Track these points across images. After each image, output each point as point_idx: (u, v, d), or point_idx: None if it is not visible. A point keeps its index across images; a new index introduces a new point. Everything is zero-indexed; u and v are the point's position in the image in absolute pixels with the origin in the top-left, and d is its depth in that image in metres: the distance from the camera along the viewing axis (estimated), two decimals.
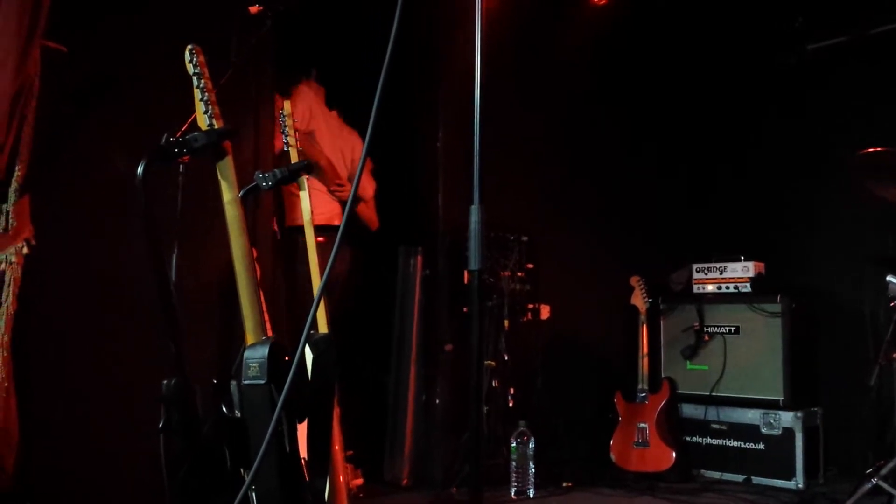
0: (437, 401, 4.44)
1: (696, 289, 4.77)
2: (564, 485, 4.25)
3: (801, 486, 4.20)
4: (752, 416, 4.41)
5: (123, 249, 2.91)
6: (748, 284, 4.56)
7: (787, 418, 4.29)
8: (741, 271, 4.59)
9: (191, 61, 2.02)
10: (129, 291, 2.95)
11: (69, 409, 2.81)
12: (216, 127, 2.01)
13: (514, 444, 4.05)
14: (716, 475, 4.49)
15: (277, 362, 1.97)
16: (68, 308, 2.85)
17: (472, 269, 1.70)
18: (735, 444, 4.47)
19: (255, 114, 3.37)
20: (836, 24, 4.73)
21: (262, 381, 1.95)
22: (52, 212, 2.74)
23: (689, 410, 4.63)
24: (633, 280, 4.58)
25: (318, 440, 2.21)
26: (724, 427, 4.51)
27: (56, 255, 2.76)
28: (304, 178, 2.53)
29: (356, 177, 1.72)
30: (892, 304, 3.76)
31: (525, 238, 4.49)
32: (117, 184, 2.83)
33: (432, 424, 4.41)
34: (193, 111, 2.23)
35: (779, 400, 4.35)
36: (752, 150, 5.01)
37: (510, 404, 4.37)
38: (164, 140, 1.96)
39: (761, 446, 4.37)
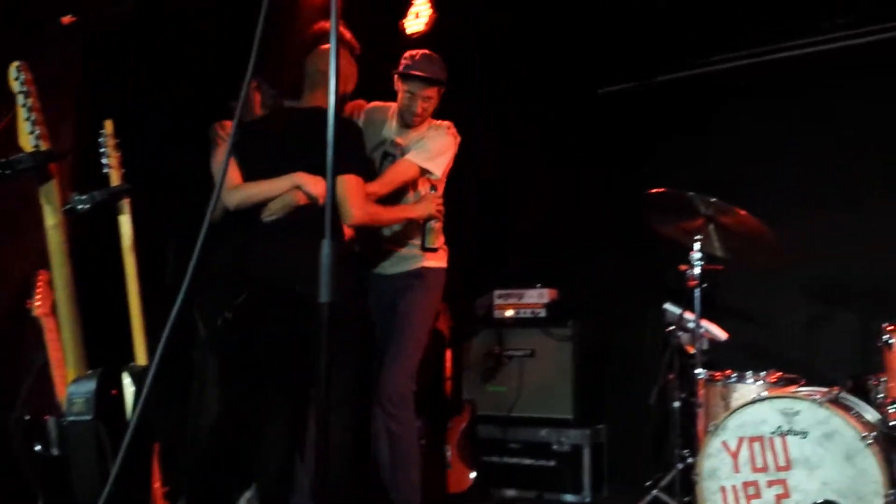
0: None
1: (496, 314, 5.02)
2: None
3: (588, 499, 4.52)
4: (544, 434, 4.69)
5: None
6: (543, 310, 4.87)
7: (575, 436, 4.61)
8: (537, 297, 4.89)
9: (17, 78, 1.89)
10: None
11: None
12: (43, 148, 1.89)
13: None
14: (512, 493, 4.73)
15: (105, 398, 1.89)
16: None
17: (323, 301, 1.72)
18: (529, 461, 4.72)
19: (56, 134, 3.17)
20: (625, 71, 5.22)
21: (89, 418, 1.85)
22: None
23: (488, 431, 4.84)
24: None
25: (139, 477, 2.12)
26: (519, 446, 4.76)
27: None
28: (126, 202, 2.42)
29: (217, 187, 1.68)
30: (668, 329, 4.16)
31: None
32: None
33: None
34: None
35: (569, 418, 4.67)
36: (552, 185, 5.36)
37: None
38: None
39: (552, 463, 4.66)
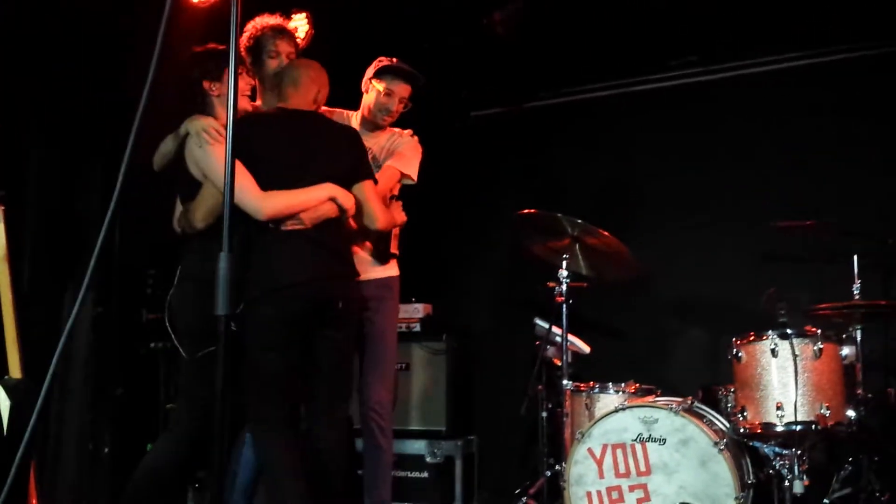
0: (107, 449, 4.21)
1: None
2: None
3: None
4: (418, 446, 4.76)
5: None
6: (418, 324, 4.96)
7: (448, 447, 4.72)
8: (413, 312, 4.97)
9: None
10: None
11: None
12: None
13: (189, 493, 3.97)
14: None
15: None
16: None
17: (220, 314, 1.75)
18: (403, 473, 4.78)
19: None
20: (496, 96, 5.42)
21: None
22: None
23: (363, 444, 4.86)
24: None
25: (16, 497, 2.06)
26: (394, 458, 4.81)
27: None
28: None
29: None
30: (537, 343, 4.33)
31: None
32: None
33: (100, 475, 4.18)
34: None
35: (441, 430, 4.77)
36: (424, 204, 5.47)
37: None
38: None
39: (426, 475, 4.73)
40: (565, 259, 3.95)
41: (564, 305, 3.91)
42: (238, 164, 2.83)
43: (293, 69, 3.27)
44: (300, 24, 4.89)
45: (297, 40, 3.51)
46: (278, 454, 2.93)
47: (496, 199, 5.20)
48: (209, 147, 2.95)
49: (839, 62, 4.72)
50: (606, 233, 3.86)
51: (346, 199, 3.09)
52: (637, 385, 3.87)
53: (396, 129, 3.79)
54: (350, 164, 3.19)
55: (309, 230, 2.99)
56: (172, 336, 3.08)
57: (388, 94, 3.64)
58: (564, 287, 3.92)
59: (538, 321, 4.32)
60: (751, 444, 3.51)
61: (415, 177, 3.72)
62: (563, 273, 3.93)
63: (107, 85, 4.37)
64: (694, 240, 4.90)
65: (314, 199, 3.01)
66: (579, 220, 3.82)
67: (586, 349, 4.31)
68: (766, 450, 3.45)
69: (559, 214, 3.84)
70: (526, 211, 3.95)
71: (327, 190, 3.05)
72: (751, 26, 4.70)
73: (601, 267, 4.13)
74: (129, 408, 4.32)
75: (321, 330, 3.05)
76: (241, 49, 3.38)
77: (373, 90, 3.67)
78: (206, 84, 3.05)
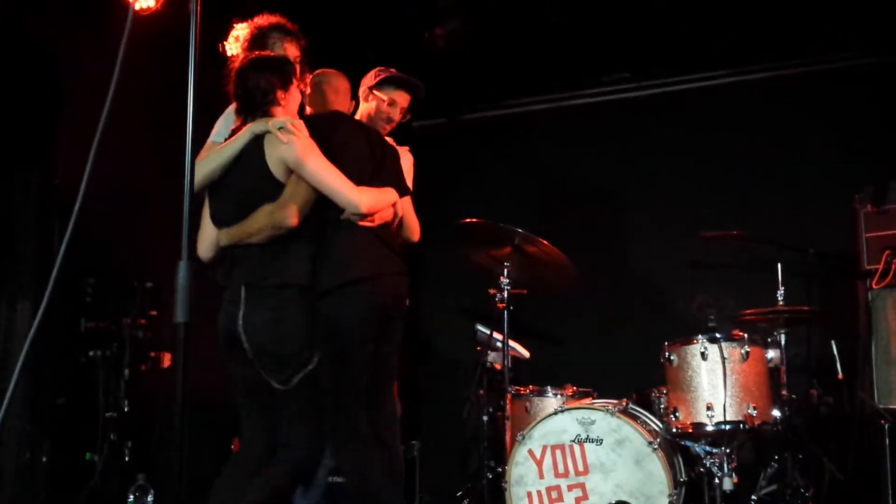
0: (45, 458, 4.16)
1: None
2: None
3: None
4: None
5: None
6: None
7: None
8: None
9: None
10: None
11: None
12: None
13: (130, 499, 3.93)
14: None
15: None
16: None
17: (179, 322, 1.79)
18: (342, 479, 4.81)
19: None
20: (438, 107, 5.52)
21: None
22: None
23: None
24: None
25: None
26: (334, 465, 4.84)
27: None
28: None
29: None
30: (478, 348, 4.43)
31: (150, 284, 4.43)
32: None
33: (38, 484, 4.12)
34: None
35: None
36: None
37: (126, 458, 4.24)
38: None
39: None
40: (506, 267, 4.02)
41: (505, 312, 3.99)
42: (327, 160, 2.85)
43: (331, 77, 3.30)
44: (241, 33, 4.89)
45: (301, 42, 3.38)
46: (379, 472, 2.95)
47: (438, 208, 5.28)
48: (295, 139, 2.82)
49: (764, 80, 4.97)
50: (545, 241, 3.97)
51: (401, 207, 3.14)
52: (575, 388, 3.97)
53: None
54: (398, 174, 3.22)
55: (376, 228, 2.99)
56: (258, 365, 2.82)
57: (391, 104, 3.60)
58: (506, 294, 4.00)
59: (480, 327, 4.41)
60: (683, 443, 3.65)
61: (410, 187, 3.75)
62: (504, 280, 4.00)
63: (41, 94, 4.33)
64: (628, 248, 5.08)
65: (389, 201, 3.04)
66: (520, 230, 3.92)
67: (526, 354, 4.42)
68: (697, 449, 3.59)
69: (500, 224, 3.94)
70: (467, 220, 4.03)
71: (394, 195, 3.08)
72: (681, 45, 4.92)
73: (541, 274, 4.23)
74: (67, 417, 4.26)
75: (382, 333, 3.01)
76: (242, 49, 3.28)
77: (373, 99, 3.61)
78: (279, 93, 2.94)
